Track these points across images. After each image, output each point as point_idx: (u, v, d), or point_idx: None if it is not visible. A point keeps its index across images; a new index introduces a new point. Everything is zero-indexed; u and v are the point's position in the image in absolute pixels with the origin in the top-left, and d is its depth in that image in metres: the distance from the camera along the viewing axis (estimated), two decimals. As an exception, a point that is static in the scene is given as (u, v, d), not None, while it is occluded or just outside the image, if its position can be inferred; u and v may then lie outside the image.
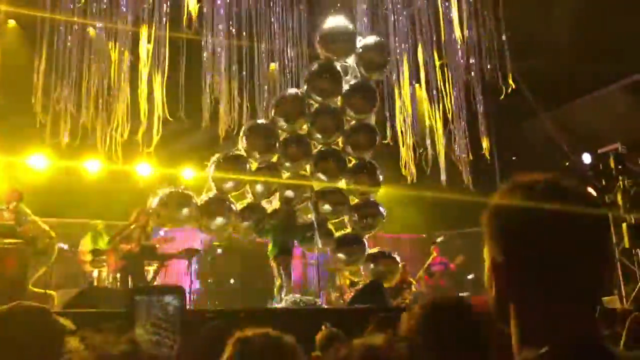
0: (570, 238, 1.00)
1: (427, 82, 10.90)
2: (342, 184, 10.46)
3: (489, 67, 10.27)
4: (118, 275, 8.61)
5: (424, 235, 15.24)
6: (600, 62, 9.99)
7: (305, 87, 10.18)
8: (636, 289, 9.73)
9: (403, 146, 10.86)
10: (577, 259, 0.99)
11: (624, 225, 9.77)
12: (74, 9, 8.75)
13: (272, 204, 10.08)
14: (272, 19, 10.19)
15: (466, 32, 10.41)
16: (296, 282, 11.12)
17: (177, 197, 9.29)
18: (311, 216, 9.58)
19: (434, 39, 10.69)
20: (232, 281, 12.16)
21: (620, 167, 10.29)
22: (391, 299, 9.43)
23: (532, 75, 10.55)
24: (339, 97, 10.39)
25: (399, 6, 10.80)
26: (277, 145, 9.91)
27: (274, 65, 10.64)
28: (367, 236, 10.59)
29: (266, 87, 10.45)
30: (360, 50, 10.39)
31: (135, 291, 5.74)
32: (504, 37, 10.06)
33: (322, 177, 10.18)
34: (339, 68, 10.31)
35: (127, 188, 10.87)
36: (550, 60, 10.37)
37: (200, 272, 11.61)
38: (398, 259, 10.41)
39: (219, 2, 9.53)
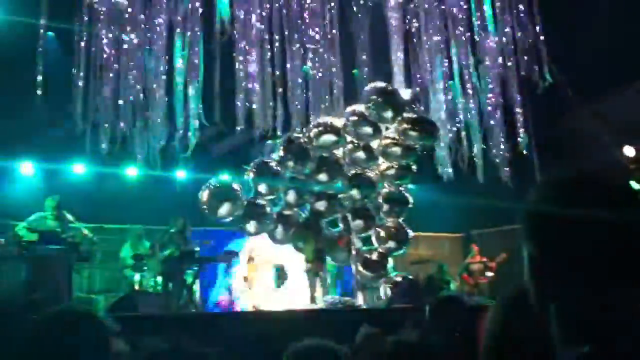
0: (608, 232, 0.98)
1: (462, 78, 10.79)
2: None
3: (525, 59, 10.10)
4: (159, 279, 8.79)
5: (462, 234, 15.09)
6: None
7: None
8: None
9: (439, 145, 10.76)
10: (614, 252, 0.98)
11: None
12: (110, 19, 8.95)
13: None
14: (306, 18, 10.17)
15: (501, 26, 10.28)
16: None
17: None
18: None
19: (468, 34, 10.58)
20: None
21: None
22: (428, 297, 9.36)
23: (570, 68, 10.34)
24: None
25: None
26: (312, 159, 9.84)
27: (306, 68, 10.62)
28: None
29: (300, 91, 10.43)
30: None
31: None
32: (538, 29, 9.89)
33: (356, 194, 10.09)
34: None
35: (165, 193, 11.05)
36: (588, 52, 10.14)
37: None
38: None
39: (251, 8, 9.62)
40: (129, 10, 9.00)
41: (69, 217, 8.38)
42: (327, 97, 10.36)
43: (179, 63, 9.27)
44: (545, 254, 1.03)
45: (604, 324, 0.97)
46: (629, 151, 11.07)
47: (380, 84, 9.78)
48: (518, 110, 10.78)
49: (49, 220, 8.31)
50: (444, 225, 14.46)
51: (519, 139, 10.82)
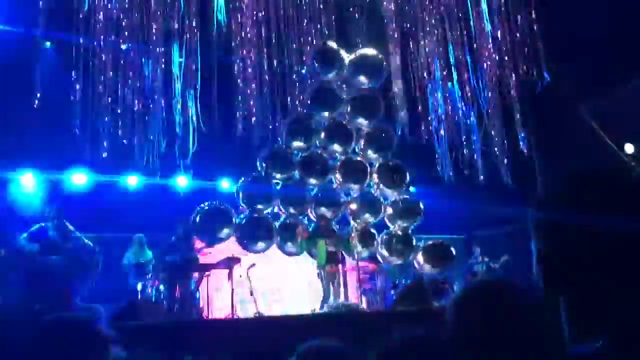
0: (617, 229, 0.96)
1: (460, 77, 10.77)
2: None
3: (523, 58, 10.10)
4: (162, 287, 8.76)
5: (463, 236, 15.05)
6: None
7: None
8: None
9: (439, 146, 10.76)
10: (621, 246, 0.96)
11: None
12: (107, 27, 8.94)
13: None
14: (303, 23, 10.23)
15: (497, 24, 10.27)
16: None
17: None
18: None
19: (465, 33, 10.57)
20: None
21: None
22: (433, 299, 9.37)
23: (569, 66, 10.32)
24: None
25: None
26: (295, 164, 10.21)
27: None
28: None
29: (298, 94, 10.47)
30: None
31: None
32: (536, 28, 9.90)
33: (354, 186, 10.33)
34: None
35: (166, 201, 11.04)
36: (587, 50, 10.13)
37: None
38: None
39: (247, 14, 9.62)
40: (125, 21, 9.00)
41: (70, 226, 8.36)
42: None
43: (177, 70, 9.28)
44: (555, 249, 1.02)
45: (614, 319, 0.95)
46: (629, 148, 11.06)
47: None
48: (517, 110, 10.76)
49: (49, 230, 8.29)
50: (445, 227, 14.44)
51: (519, 139, 10.79)
